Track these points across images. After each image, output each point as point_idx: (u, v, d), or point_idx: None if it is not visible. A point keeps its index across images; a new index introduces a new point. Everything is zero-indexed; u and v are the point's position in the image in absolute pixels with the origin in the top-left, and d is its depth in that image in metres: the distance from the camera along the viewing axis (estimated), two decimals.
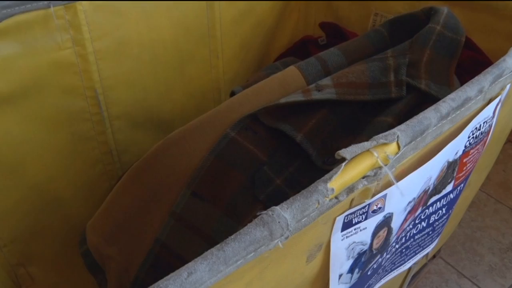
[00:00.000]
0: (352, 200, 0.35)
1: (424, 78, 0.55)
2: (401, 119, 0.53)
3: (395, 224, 0.44)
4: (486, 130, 0.49)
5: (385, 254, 0.49)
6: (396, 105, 0.54)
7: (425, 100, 0.55)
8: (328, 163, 0.51)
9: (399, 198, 0.40)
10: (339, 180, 0.32)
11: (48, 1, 0.55)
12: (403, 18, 0.64)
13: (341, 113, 0.55)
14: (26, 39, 0.55)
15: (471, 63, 0.62)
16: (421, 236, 0.57)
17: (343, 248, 0.39)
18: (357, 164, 0.33)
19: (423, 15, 0.63)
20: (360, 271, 0.45)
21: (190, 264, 0.26)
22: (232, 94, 0.61)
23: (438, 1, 0.73)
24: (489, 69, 0.43)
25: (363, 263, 0.44)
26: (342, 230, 0.37)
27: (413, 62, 0.56)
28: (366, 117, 0.55)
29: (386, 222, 0.41)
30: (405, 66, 0.56)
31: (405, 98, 0.54)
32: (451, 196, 0.54)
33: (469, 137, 0.46)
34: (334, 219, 0.35)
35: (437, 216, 0.55)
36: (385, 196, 0.38)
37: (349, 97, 0.54)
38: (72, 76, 0.61)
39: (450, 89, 0.55)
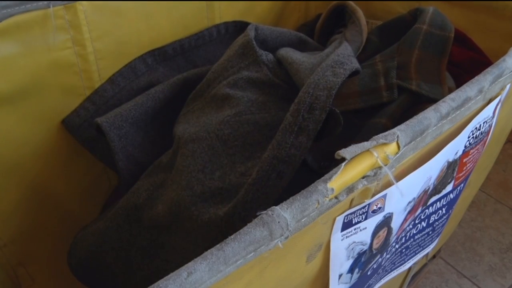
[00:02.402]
0: (352, 200, 0.35)
1: (414, 78, 0.55)
2: (395, 120, 0.53)
3: (395, 224, 0.44)
4: (486, 130, 0.49)
5: (385, 254, 0.49)
6: (389, 106, 0.54)
7: (418, 100, 0.55)
8: (324, 167, 0.52)
9: (399, 198, 0.40)
10: (339, 180, 0.32)
11: (48, 1, 0.55)
12: (391, 23, 0.65)
13: None
14: (26, 39, 0.55)
15: (471, 63, 0.62)
16: (421, 236, 0.57)
17: (343, 248, 0.39)
18: (357, 164, 0.33)
19: (410, 16, 0.63)
20: (360, 271, 0.45)
21: (190, 264, 0.26)
22: None
23: (438, 1, 0.73)
24: (489, 69, 0.42)
25: (363, 263, 0.44)
26: (342, 230, 0.37)
27: (402, 64, 0.57)
28: (360, 120, 0.55)
29: (386, 222, 0.41)
30: (395, 69, 0.56)
31: (398, 99, 0.54)
32: (451, 196, 0.54)
33: (469, 137, 0.46)
34: (334, 219, 0.35)
35: (437, 216, 0.55)
36: (385, 196, 0.38)
37: (339, 108, 0.55)
38: (72, 76, 0.61)
39: (442, 87, 0.55)
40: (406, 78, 0.55)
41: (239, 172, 0.50)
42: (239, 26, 0.76)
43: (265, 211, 0.29)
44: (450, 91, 0.56)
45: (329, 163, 0.52)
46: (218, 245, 0.27)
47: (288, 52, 0.61)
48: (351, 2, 0.70)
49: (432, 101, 0.53)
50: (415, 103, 0.55)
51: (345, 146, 0.33)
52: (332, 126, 0.51)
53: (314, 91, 0.49)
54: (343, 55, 0.56)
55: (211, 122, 0.55)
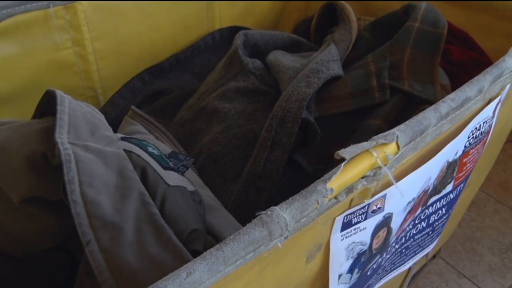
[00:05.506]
0: (352, 200, 0.35)
1: (407, 78, 0.55)
2: (390, 120, 0.53)
3: (395, 224, 0.44)
4: (486, 130, 0.49)
5: (384, 254, 0.49)
6: (383, 107, 0.54)
7: (413, 101, 0.55)
8: (320, 170, 0.52)
9: (399, 198, 0.40)
10: (338, 180, 0.32)
11: (48, 1, 0.55)
12: (384, 19, 0.65)
13: (328, 123, 0.55)
14: (26, 39, 0.55)
15: (471, 63, 0.62)
16: (421, 236, 0.57)
17: (342, 248, 0.39)
18: (356, 164, 0.33)
19: (403, 12, 0.63)
20: (360, 271, 0.45)
21: (189, 264, 0.26)
22: None
23: (437, 1, 0.73)
24: (488, 69, 0.42)
25: (363, 263, 0.44)
26: (342, 230, 0.37)
27: (395, 64, 0.56)
28: (354, 122, 0.55)
29: (386, 222, 0.41)
30: (387, 69, 0.56)
31: (391, 100, 0.54)
32: (451, 196, 0.54)
33: (469, 137, 0.46)
34: (334, 219, 0.35)
35: (437, 216, 0.55)
36: (384, 196, 0.38)
37: (331, 111, 0.55)
38: (72, 76, 0.61)
39: (434, 86, 0.55)
40: (398, 78, 0.55)
41: (231, 191, 0.50)
42: (234, 31, 0.76)
43: (264, 211, 0.29)
44: (443, 88, 0.56)
45: (324, 166, 0.52)
46: (217, 245, 0.27)
47: (277, 57, 0.61)
48: (340, 1, 0.69)
49: (426, 101, 0.53)
50: (410, 104, 0.55)
51: (339, 149, 0.33)
52: (312, 134, 0.52)
53: (286, 104, 0.51)
54: (322, 61, 0.56)
55: (203, 141, 0.55)
